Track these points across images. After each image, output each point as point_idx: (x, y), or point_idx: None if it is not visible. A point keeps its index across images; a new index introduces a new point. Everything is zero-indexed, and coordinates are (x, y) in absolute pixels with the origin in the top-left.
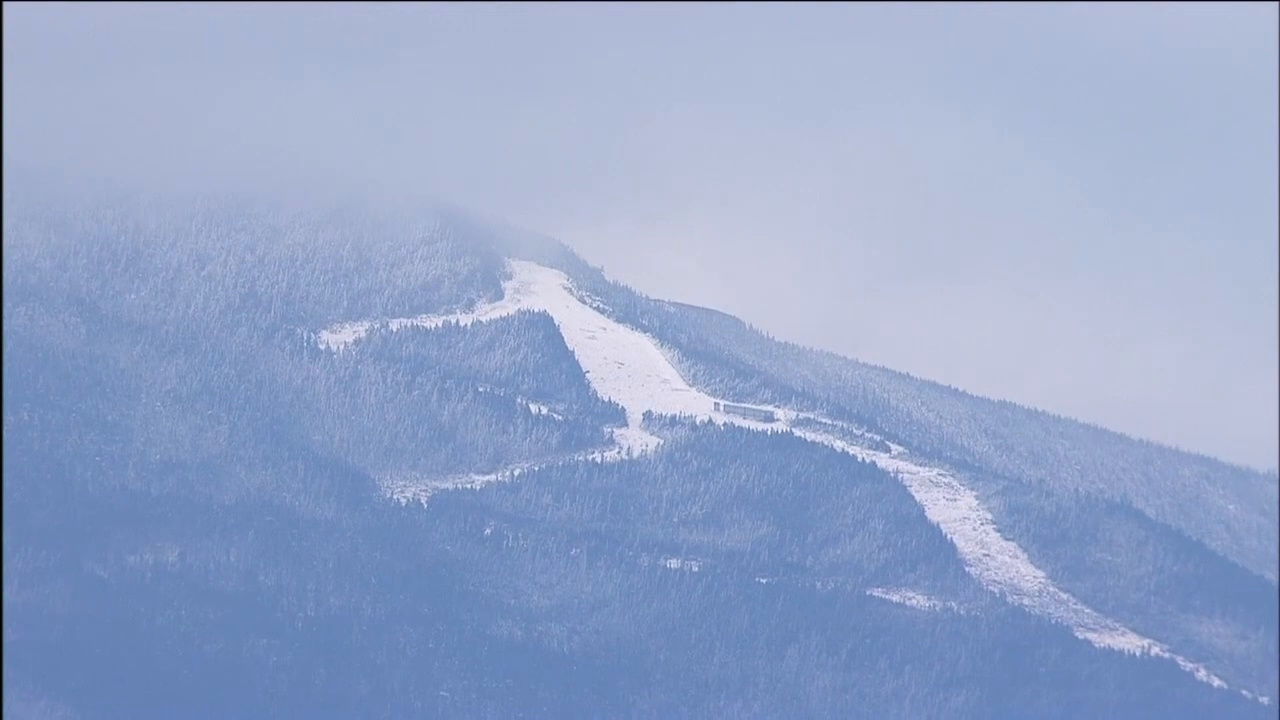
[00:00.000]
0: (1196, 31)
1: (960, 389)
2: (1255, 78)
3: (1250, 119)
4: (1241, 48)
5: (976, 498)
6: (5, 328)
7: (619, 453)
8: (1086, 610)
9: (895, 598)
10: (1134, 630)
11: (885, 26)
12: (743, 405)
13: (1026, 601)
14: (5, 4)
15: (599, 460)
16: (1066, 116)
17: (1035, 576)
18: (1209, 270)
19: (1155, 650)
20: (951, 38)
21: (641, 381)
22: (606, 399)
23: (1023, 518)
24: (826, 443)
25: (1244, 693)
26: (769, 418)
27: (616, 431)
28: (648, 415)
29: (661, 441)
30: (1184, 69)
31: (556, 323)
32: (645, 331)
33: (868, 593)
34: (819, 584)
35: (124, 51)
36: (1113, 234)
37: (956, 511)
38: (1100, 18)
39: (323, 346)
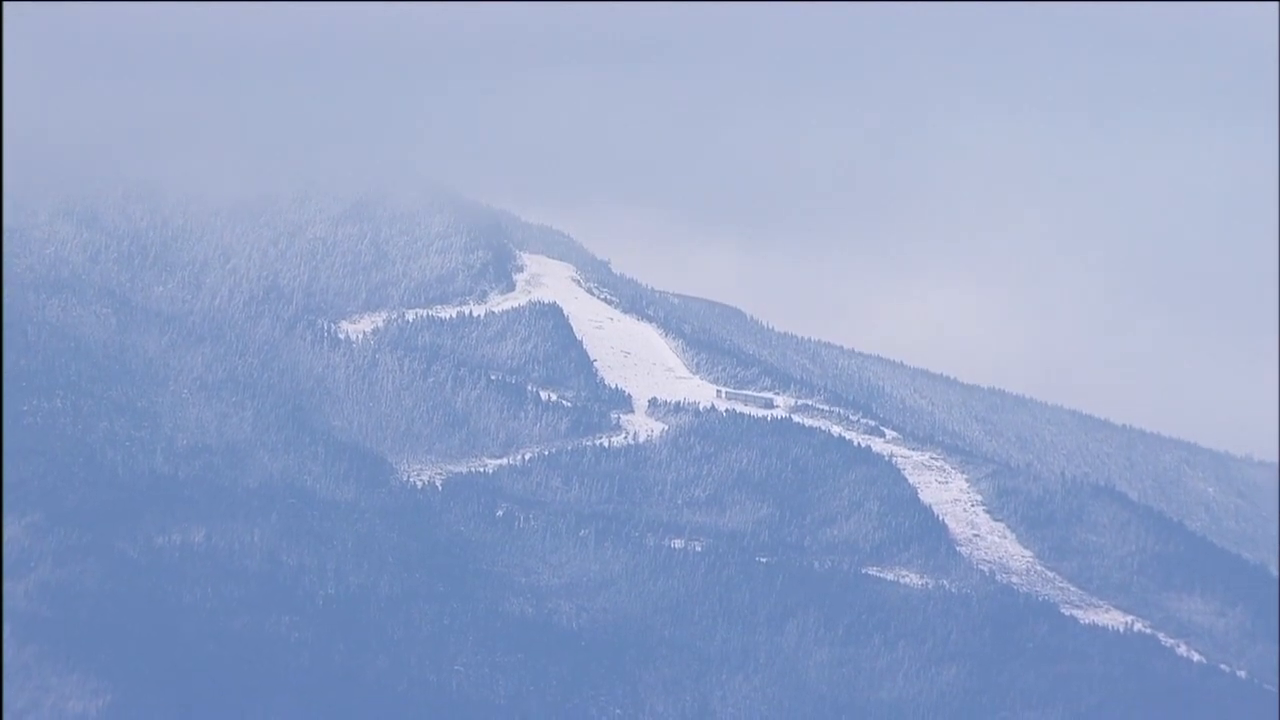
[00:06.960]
0: None
1: (952, 377)
2: None
3: None
4: None
5: (967, 481)
6: (40, 319)
7: (625, 438)
8: (1072, 588)
9: (889, 576)
10: (1117, 607)
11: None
12: (744, 393)
13: (1015, 580)
14: (6, 4)
15: (606, 445)
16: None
17: (1023, 556)
18: (1193, 262)
19: (1138, 626)
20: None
21: (647, 370)
22: (613, 386)
23: (1011, 500)
24: (824, 428)
25: (1222, 667)
26: (769, 404)
27: (623, 417)
28: (653, 402)
29: (666, 427)
30: None
31: (565, 313)
32: (650, 322)
33: (863, 571)
34: (816, 563)
35: (152, 54)
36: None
37: (948, 494)
38: None
39: (342, 336)
